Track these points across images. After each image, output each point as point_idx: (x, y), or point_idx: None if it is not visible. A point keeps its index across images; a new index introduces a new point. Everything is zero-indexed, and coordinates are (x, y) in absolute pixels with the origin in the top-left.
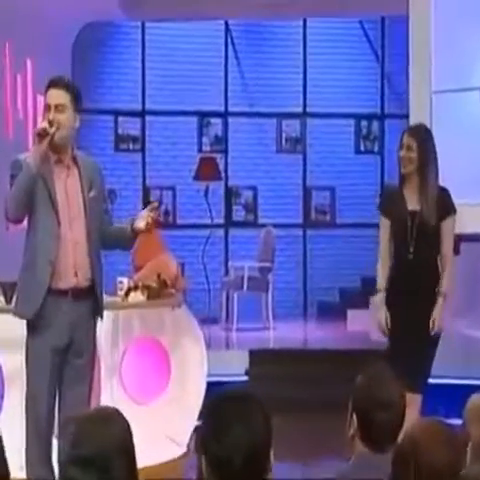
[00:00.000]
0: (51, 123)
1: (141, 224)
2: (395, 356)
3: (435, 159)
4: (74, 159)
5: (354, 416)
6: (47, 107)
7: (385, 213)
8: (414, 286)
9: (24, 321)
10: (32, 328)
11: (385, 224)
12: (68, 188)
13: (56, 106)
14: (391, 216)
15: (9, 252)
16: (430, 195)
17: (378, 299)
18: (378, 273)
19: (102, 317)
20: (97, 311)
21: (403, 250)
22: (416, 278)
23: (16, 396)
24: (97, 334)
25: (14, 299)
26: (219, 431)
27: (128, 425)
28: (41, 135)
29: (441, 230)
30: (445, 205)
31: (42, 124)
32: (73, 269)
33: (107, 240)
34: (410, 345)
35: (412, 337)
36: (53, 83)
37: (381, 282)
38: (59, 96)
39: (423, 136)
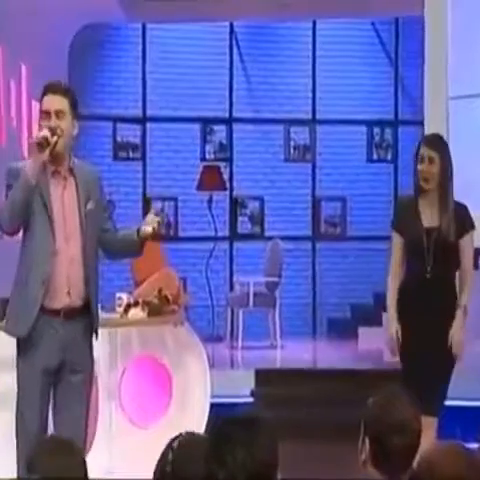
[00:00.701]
0: (53, 131)
1: (148, 228)
2: (410, 377)
3: (452, 171)
4: (71, 170)
5: (366, 441)
6: (45, 114)
7: (400, 231)
8: (432, 306)
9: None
10: (22, 348)
11: (399, 242)
12: (65, 201)
13: (57, 112)
14: (406, 234)
15: (2, 266)
16: (449, 211)
17: (389, 313)
18: (388, 291)
19: (97, 336)
20: (92, 330)
21: (420, 269)
22: (434, 298)
23: (6, 417)
24: (95, 353)
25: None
26: (223, 453)
27: (85, 460)
28: (42, 144)
29: (460, 247)
30: (464, 221)
31: (42, 132)
32: (66, 288)
33: (113, 248)
34: (426, 366)
35: (428, 357)
36: (51, 88)
37: (391, 300)
38: (59, 102)
39: (444, 148)
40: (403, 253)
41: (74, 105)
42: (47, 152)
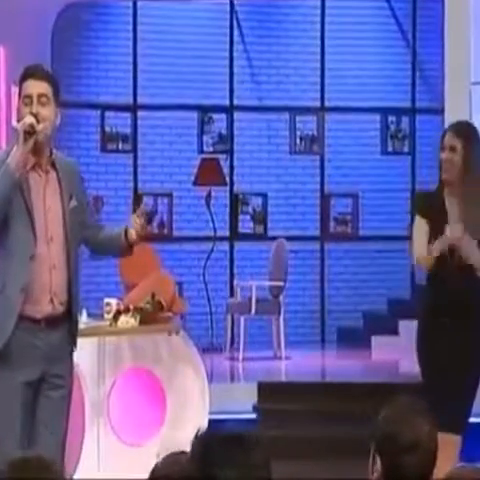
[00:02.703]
0: (36, 118)
1: (132, 234)
2: (431, 390)
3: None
4: (53, 164)
5: (377, 460)
6: (27, 98)
7: (426, 217)
8: (460, 314)
9: None
10: (0, 361)
11: (424, 227)
12: (47, 200)
13: (39, 97)
14: (433, 224)
15: None
16: (475, 206)
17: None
18: (415, 249)
19: (76, 346)
20: (73, 340)
21: (446, 273)
22: (463, 305)
23: None
24: (81, 365)
25: None
26: (210, 476)
27: None
28: (28, 132)
29: None
30: None
31: (27, 119)
32: (49, 295)
33: (99, 248)
34: (450, 378)
35: (453, 368)
36: (31, 73)
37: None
38: (42, 87)
39: (470, 136)
40: (428, 240)
41: (57, 92)
42: (32, 142)
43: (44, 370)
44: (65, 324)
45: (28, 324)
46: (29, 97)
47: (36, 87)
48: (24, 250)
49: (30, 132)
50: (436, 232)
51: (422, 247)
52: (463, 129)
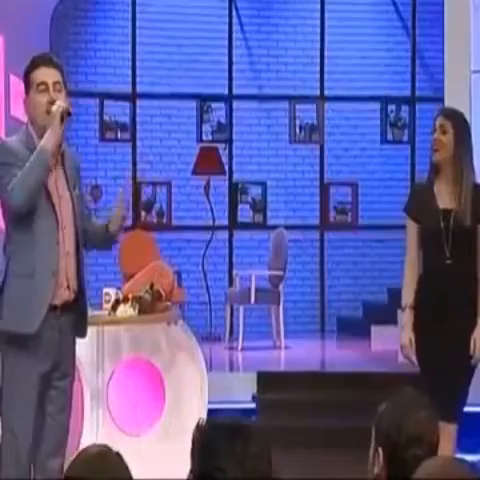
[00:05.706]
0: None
1: (113, 227)
2: (427, 379)
3: (471, 148)
4: (62, 154)
5: (380, 452)
6: (40, 86)
7: (413, 215)
8: (455, 297)
9: None
10: (14, 350)
11: (413, 228)
12: (59, 188)
13: (54, 84)
14: (421, 218)
15: None
16: (465, 190)
17: (404, 318)
18: (404, 287)
19: (85, 334)
20: (82, 329)
21: (439, 255)
22: (456, 286)
23: None
24: (80, 355)
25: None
26: (211, 468)
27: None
28: (68, 113)
29: (477, 233)
30: None
31: (61, 102)
32: (66, 281)
33: (88, 239)
34: (445, 366)
35: (448, 357)
36: (43, 61)
37: (407, 298)
38: (55, 75)
39: (460, 119)
40: (419, 240)
41: (65, 81)
42: (63, 126)
43: (55, 360)
44: (72, 312)
45: (47, 312)
46: (44, 84)
47: (50, 75)
48: (50, 236)
49: (65, 115)
50: (425, 225)
51: (411, 254)
52: (454, 112)
